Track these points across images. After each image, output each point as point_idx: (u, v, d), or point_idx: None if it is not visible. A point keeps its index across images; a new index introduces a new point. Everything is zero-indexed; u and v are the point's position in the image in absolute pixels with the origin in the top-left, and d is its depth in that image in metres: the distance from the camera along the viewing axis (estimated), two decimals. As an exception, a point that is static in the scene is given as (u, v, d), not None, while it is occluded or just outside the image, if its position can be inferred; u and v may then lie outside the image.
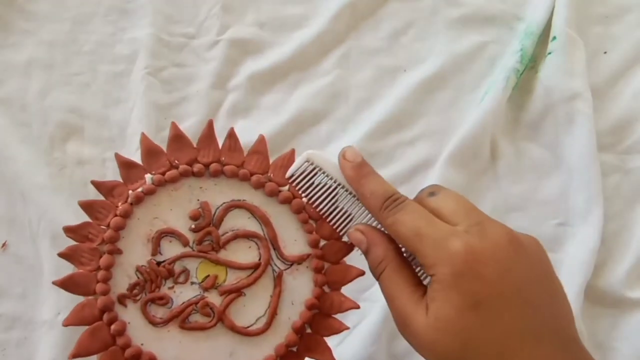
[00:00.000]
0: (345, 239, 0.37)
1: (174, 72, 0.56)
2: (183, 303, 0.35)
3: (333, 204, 0.36)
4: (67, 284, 0.34)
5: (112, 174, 0.52)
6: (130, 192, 0.35)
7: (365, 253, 0.34)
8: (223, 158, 0.36)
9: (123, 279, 0.34)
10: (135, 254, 0.35)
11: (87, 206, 0.35)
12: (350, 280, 0.37)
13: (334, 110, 0.56)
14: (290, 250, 0.36)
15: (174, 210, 0.35)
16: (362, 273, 0.37)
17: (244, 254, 0.36)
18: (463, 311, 0.29)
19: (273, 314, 0.35)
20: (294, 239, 0.36)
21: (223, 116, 0.55)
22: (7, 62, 0.55)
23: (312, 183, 0.36)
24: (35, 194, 0.50)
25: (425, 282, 0.33)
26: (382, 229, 0.34)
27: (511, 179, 0.54)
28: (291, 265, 0.36)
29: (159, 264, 0.35)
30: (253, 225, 0.36)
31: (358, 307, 0.37)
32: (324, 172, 0.36)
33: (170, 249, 0.35)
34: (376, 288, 0.50)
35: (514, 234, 0.31)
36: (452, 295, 0.29)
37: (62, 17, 0.57)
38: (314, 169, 0.36)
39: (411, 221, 0.31)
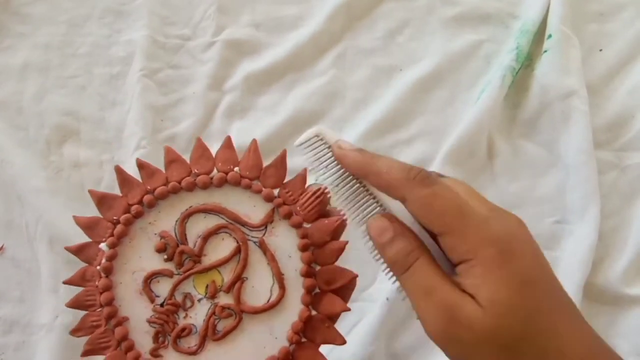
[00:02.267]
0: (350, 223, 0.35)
1: (169, 73, 0.56)
2: (204, 321, 0.36)
3: (335, 183, 0.34)
4: None
5: (109, 176, 0.52)
6: (97, 267, 0.36)
7: (387, 244, 0.31)
8: (148, 187, 0.36)
9: (144, 337, 0.36)
10: (138, 311, 0.36)
11: (77, 304, 0.36)
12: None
13: (331, 110, 0.56)
14: (256, 217, 0.36)
15: (142, 256, 0.36)
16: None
17: (223, 247, 0.36)
18: (519, 289, 0.28)
19: (280, 276, 0.36)
20: (252, 206, 0.37)
21: (219, 117, 0.55)
22: (2, 66, 0.55)
23: (318, 159, 0.35)
24: (32, 197, 0.50)
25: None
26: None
27: (508, 177, 0.54)
28: (265, 227, 0.37)
29: (162, 305, 0.36)
30: (213, 221, 0.36)
31: (341, 221, 0.36)
32: (331, 151, 0.35)
33: (162, 287, 0.36)
34: (375, 288, 0.50)
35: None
36: (504, 276, 0.28)
37: (57, 20, 0.57)
38: (321, 144, 0.35)
39: (454, 196, 0.29)
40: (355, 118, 0.56)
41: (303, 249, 0.36)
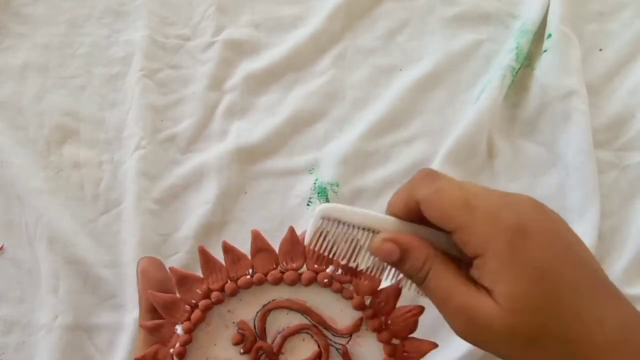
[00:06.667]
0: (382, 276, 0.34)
1: (169, 74, 0.56)
2: None
3: (361, 250, 0.34)
4: None
5: (109, 176, 0.52)
6: (171, 351, 0.34)
7: (400, 261, 0.31)
8: (231, 274, 0.34)
9: None
10: None
11: None
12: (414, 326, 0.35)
13: (330, 110, 0.56)
14: (342, 322, 0.34)
15: (217, 344, 0.34)
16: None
17: (303, 348, 0.35)
18: (535, 281, 0.26)
19: None
20: (339, 310, 0.34)
21: (219, 118, 0.55)
22: (2, 66, 0.55)
23: (334, 238, 0.33)
24: (32, 197, 0.50)
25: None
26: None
27: (508, 176, 0.54)
28: (350, 336, 0.35)
29: None
30: (295, 319, 0.35)
31: (436, 347, 0.34)
32: (342, 223, 0.33)
33: None
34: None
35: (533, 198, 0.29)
36: (518, 269, 0.26)
37: (57, 20, 0.57)
38: (331, 223, 0.33)
39: (459, 189, 0.28)
40: (355, 118, 0.55)
41: None
